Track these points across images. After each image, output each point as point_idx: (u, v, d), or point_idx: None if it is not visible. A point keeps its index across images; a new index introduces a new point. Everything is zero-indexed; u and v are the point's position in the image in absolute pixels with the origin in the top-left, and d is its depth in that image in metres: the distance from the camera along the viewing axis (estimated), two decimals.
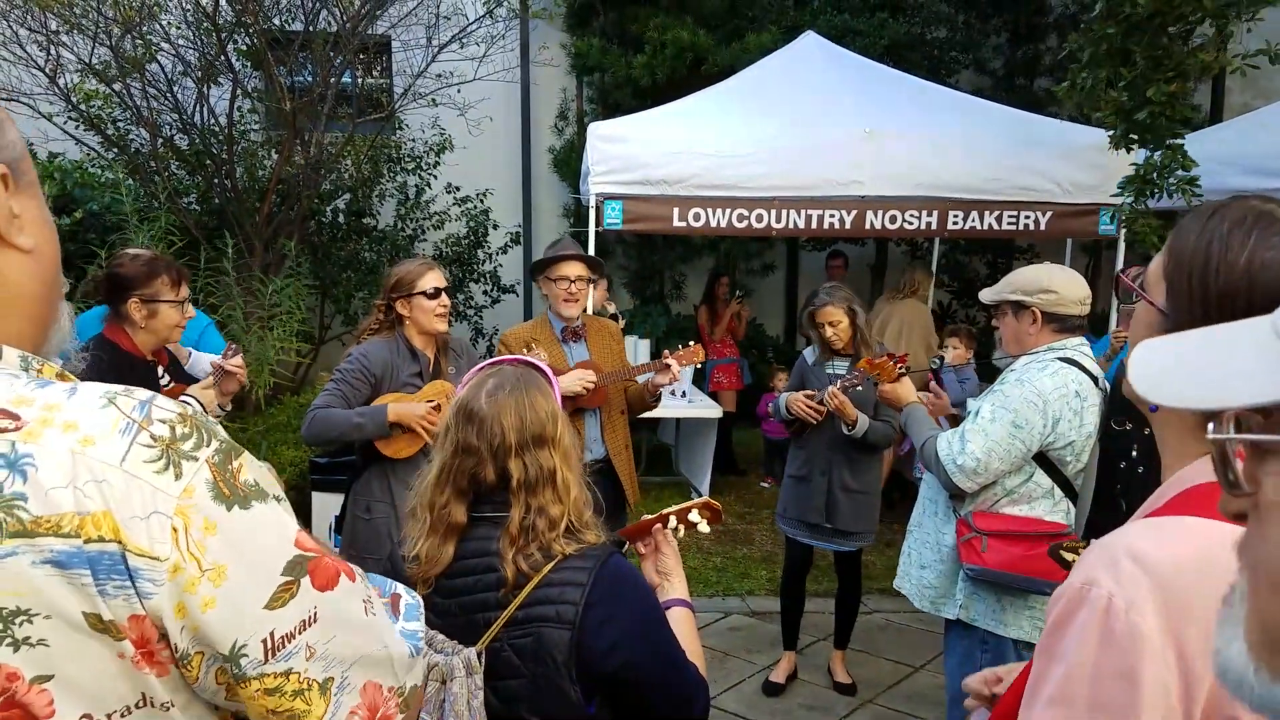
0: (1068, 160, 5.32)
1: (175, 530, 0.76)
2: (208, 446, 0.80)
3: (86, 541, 0.74)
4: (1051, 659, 0.95)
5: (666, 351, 3.60)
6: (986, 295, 2.77)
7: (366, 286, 7.66)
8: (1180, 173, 4.62)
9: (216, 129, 6.73)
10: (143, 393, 0.82)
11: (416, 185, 7.93)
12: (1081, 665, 0.92)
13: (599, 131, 5.07)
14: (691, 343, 3.76)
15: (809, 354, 4.02)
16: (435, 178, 7.89)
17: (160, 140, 6.54)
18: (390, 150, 7.73)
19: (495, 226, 8.10)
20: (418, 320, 3.16)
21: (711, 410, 6.08)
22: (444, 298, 3.17)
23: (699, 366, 3.85)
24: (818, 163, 5.12)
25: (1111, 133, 4.85)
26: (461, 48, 7.02)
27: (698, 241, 8.41)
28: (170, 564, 0.76)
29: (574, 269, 3.54)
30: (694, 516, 1.83)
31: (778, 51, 6.35)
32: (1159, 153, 4.68)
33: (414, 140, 7.85)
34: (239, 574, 0.79)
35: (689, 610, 1.74)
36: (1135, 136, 4.74)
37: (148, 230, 5.42)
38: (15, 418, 0.76)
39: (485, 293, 8.16)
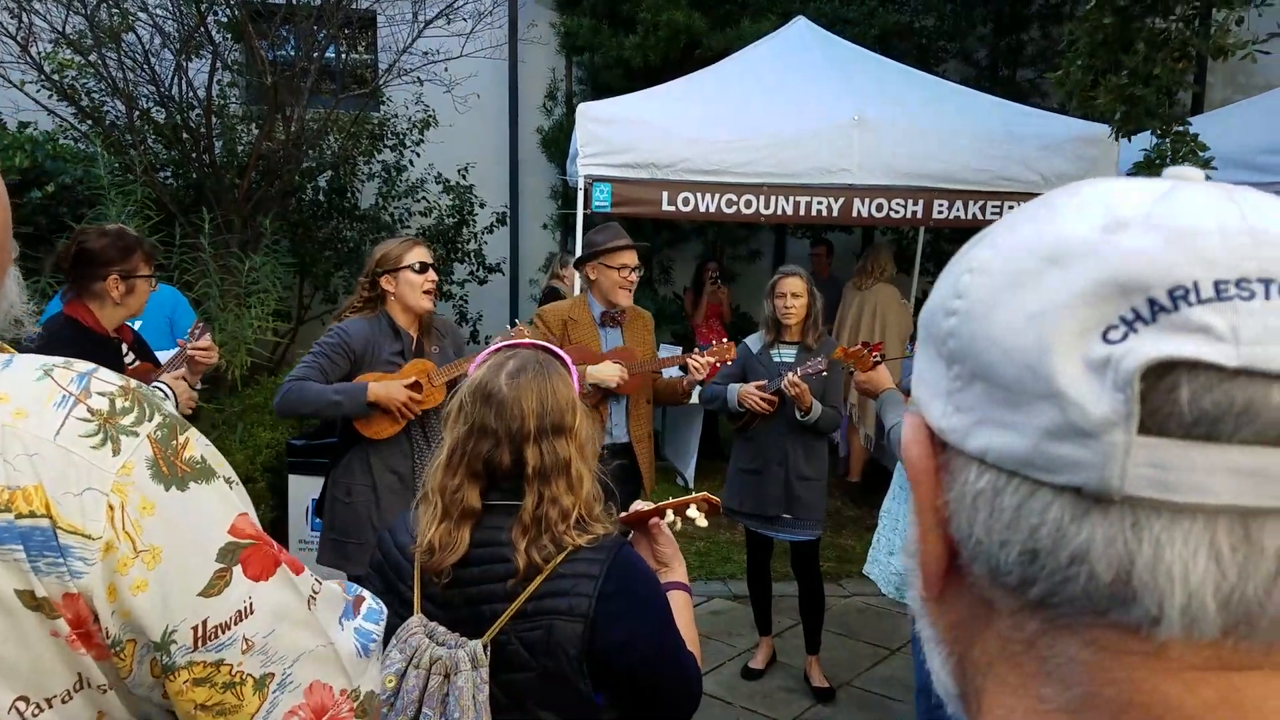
0: (1052, 151, 5.32)
1: (111, 508, 0.73)
2: (149, 421, 0.77)
3: (18, 516, 0.70)
4: None
5: (696, 350, 3.64)
6: None
7: (347, 266, 7.58)
8: (1196, 156, 4.55)
9: (195, 102, 6.61)
10: (84, 365, 0.79)
11: (398, 163, 7.84)
12: None
13: (588, 113, 5.01)
14: (725, 340, 3.76)
15: (753, 342, 3.95)
16: (419, 155, 7.79)
17: (136, 113, 6.42)
18: (373, 127, 7.63)
19: (482, 205, 8.01)
20: (404, 296, 3.11)
21: (695, 395, 6.06)
22: (431, 273, 3.14)
23: (727, 363, 3.83)
24: (807, 149, 5.08)
25: (1114, 116, 4.77)
26: (449, 23, 6.92)
27: (685, 226, 8.36)
28: (103, 542, 0.72)
29: (632, 257, 3.55)
30: (691, 511, 1.81)
31: (768, 36, 6.29)
32: (1168, 139, 4.63)
33: (397, 117, 7.75)
34: (174, 557, 0.75)
35: (687, 594, 1.73)
36: (1135, 124, 4.70)
37: (123, 204, 5.32)
38: None
39: (471, 273, 8.09)
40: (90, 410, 0.75)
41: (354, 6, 6.91)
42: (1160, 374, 0.34)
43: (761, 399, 3.71)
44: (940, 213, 5.30)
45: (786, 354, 3.85)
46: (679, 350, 3.82)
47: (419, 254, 3.12)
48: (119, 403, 0.77)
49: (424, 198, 7.86)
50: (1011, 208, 4.49)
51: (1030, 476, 0.37)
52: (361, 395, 2.98)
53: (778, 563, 4.29)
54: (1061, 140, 5.31)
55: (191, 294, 5.62)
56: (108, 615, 0.74)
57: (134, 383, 0.80)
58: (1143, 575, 0.35)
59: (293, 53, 6.83)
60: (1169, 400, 0.34)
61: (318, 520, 3.55)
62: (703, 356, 3.59)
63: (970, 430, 0.39)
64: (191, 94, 6.54)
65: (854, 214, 5.24)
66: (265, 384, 5.93)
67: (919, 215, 5.30)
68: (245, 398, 5.63)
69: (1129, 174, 4.81)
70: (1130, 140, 4.86)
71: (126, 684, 0.78)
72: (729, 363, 3.77)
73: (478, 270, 8.11)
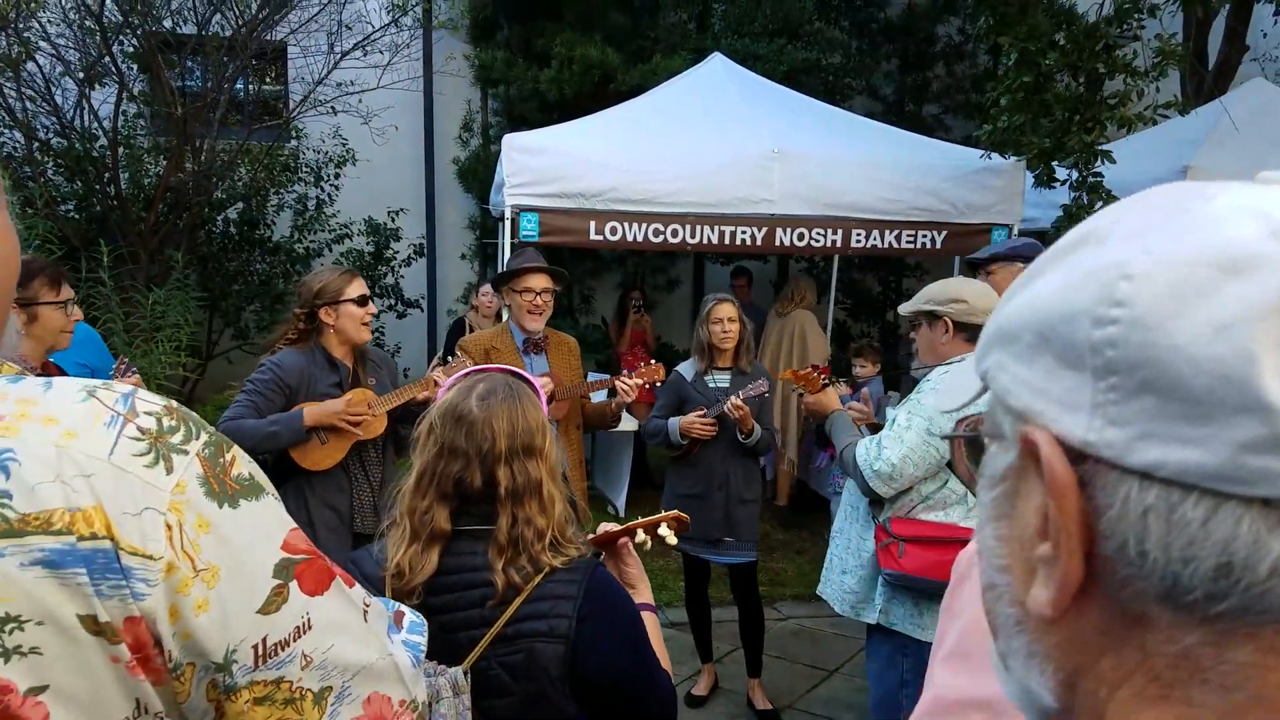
0: (960, 182, 5.58)
1: (169, 527, 0.72)
2: (197, 440, 0.77)
3: (80, 539, 0.69)
4: (951, 616, 1.02)
5: (625, 374, 3.63)
6: (904, 308, 2.88)
7: (258, 299, 7.39)
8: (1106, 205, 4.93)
9: (99, 133, 6.38)
10: (123, 385, 0.78)
11: (317, 198, 7.69)
12: (977, 621, 0.98)
13: (515, 143, 5.03)
14: (653, 361, 3.78)
15: (686, 369, 3.98)
16: (338, 189, 7.66)
17: (36, 144, 6.15)
18: (287, 159, 7.48)
19: (398, 238, 7.92)
20: (344, 329, 3.06)
21: (626, 424, 6.09)
22: (371, 305, 3.11)
23: (656, 384, 3.83)
24: (730, 181, 5.21)
25: (1036, 172, 5.18)
26: (364, 55, 6.87)
27: (605, 255, 8.43)
28: (164, 563, 0.72)
29: (540, 281, 3.52)
30: (662, 530, 1.83)
31: (687, 71, 6.45)
32: (1083, 191, 4.99)
33: (314, 150, 7.62)
34: (232, 575, 0.75)
35: (655, 615, 1.74)
36: (1058, 175, 5.09)
37: (27, 238, 5.08)
38: None
39: (390, 307, 7.97)
40: (140, 429, 0.74)
41: (267, 38, 6.79)
42: None
43: (703, 426, 3.76)
44: (858, 241, 5.49)
45: (721, 379, 3.91)
46: (605, 378, 3.86)
47: (359, 286, 3.09)
48: (166, 421, 0.76)
49: (345, 232, 7.73)
50: (926, 236, 4.71)
51: (1217, 490, 0.36)
52: (298, 422, 2.91)
53: (713, 588, 4.32)
54: (969, 171, 5.58)
55: (97, 329, 5.39)
56: (169, 638, 0.73)
57: (174, 402, 0.79)
58: None
59: (201, 83, 6.67)
60: None
61: None
62: (631, 379, 3.61)
63: (1132, 444, 0.38)
64: (96, 125, 6.31)
65: (776, 243, 5.39)
66: None
67: (838, 244, 5.48)
68: None
69: (1057, 223, 5.17)
70: (1053, 188, 5.19)
71: (183, 709, 0.76)
72: (658, 383, 3.79)
73: (396, 304, 8.00)
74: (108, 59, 6.12)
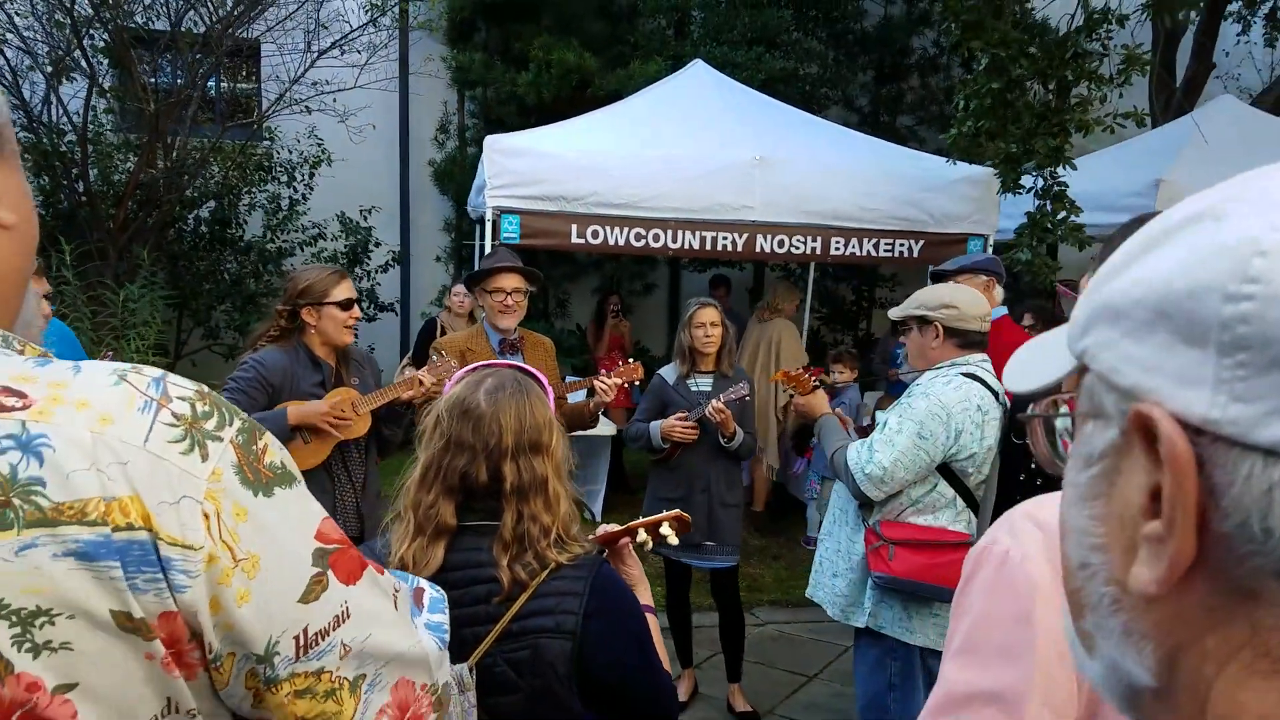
0: (937, 192, 5.64)
1: (207, 516, 0.70)
2: (230, 426, 0.74)
3: (115, 530, 0.66)
4: (959, 614, 1.03)
5: (603, 373, 3.61)
6: (894, 312, 2.90)
7: (229, 299, 7.28)
8: (1070, 217, 4.99)
9: (67, 128, 6.25)
10: (153, 370, 0.75)
11: (290, 197, 7.59)
12: (984, 615, 1.00)
13: (496, 145, 5.01)
14: (631, 360, 3.77)
15: (668, 373, 3.99)
16: (312, 190, 7.57)
17: None
18: (260, 159, 7.39)
19: (377, 244, 7.85)
20: (325, 330, 3.02)
21: (603, 428, 6.06)
22: (355, 309, 3.08)
23: (635, 383, 3.83)
24: (712, 187, 5.23)
25: (1001, 178, 5.27)
26: (341, 55, 6.81)
27: (582, 259, 8.41)
28: (205, 553, 0.69)
29: (510, 280, 3.50)
30: (664, 530, 1.82)
31: (669, 77, 6.46)
32: (1047, 201, 5.05)
33: (288, 150, 7.52)
34: (272, 565, 0.73)
35: (655, 617, 1.73)
36: (1024, 183, 5.15)
37: None
38: (21, 395, 0.68)
39: (362, 309, 7.89)
40: (174, 415, 0.71)
41: (241, 36, 6.71)
42: None
43: (684, 429, 3.75)
44: (837, 249, 5.52)
45: (703, 383, 3.91)
46: (583, 379, 3.87)
47: (346, 289, 3.05)
48: (199, 407, 0.73)
49: (317, 231, 7.64)
50: (903, 245, 4.78)
51: None
52: (282, 421, 2.87)
53: (691, 593, 4.31)
54: (947, 181, 5.63)
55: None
56: (211, 630, 0.70)
57: (205, 386, 0.77)
58: None
59: (172, 80, 6.57)
60: None
61: None
62: (610, 378, 3.60)
63: (1260, 421, 0.38)
64: (65, 119, 6.18)
65: (757, 249, 5.41)
66: None
67: (818, 251, 5.51)
68: None
69: (1020, 228, 5.24)
70: (1017, 194, 5.26)
71: (220, 695, 0.74)
72: (636, 381, 3.79)
73: (369, 308, 7.93)
74: (78, 53, 6.01)
